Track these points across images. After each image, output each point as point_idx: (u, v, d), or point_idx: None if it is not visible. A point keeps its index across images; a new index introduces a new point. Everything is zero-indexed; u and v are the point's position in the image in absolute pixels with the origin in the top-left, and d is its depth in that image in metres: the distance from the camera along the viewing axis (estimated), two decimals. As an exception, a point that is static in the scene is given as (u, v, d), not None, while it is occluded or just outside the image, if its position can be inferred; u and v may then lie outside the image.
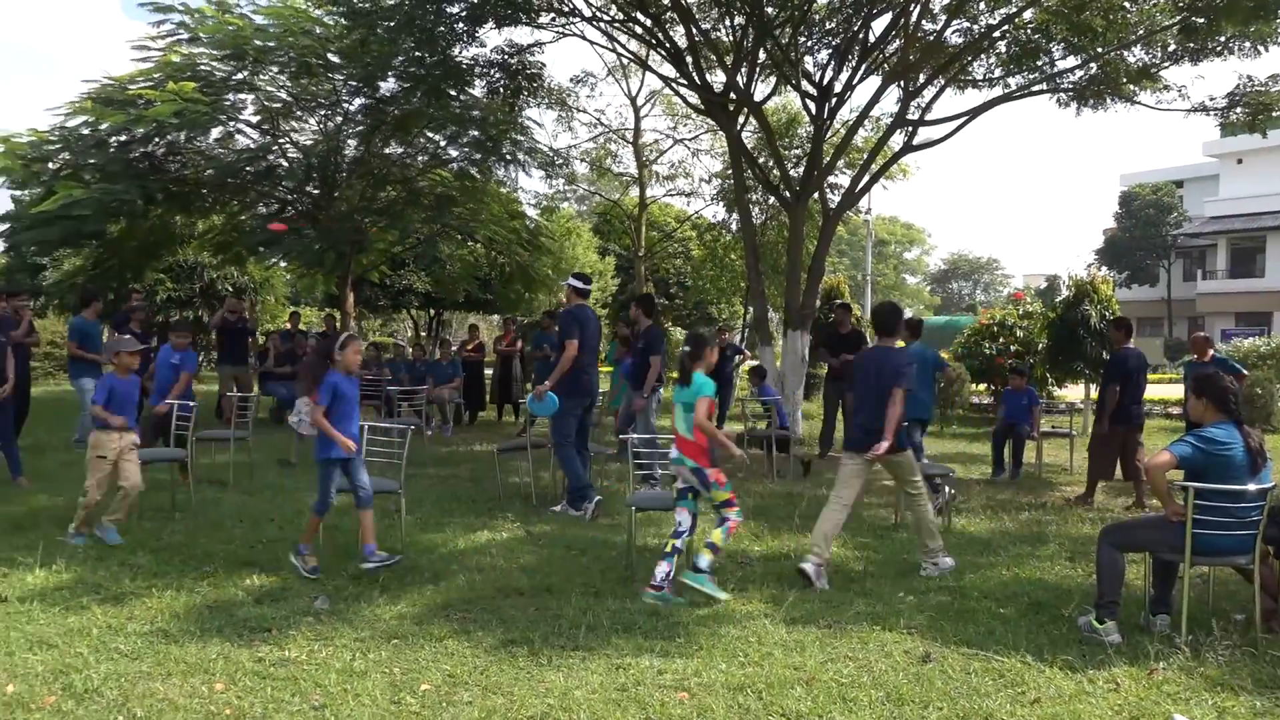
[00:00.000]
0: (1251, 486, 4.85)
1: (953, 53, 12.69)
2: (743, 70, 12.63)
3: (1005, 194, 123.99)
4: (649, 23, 13.09)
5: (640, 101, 23.57)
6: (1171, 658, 4.60)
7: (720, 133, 17.39)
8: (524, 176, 30.06)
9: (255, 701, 4.00)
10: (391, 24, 12.71)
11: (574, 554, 6.69)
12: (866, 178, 13.74)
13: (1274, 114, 12.36)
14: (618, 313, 26.81)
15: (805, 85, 13.10)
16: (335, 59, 16.10)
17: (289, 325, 16.76)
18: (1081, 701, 4.12)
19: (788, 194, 12.94)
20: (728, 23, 13.16)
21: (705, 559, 5.64)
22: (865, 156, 14.34)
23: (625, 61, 20.95)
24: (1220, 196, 45.59)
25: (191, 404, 8.71)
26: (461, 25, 12.57)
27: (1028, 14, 12.09)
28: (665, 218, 28.38)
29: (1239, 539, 4.88)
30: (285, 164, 17.44)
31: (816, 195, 14.13)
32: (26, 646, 4.57)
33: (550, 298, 23.08)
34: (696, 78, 13.02)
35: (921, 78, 13.07)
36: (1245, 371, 10.59)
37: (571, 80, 22.66)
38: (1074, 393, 16.65)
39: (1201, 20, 11.18)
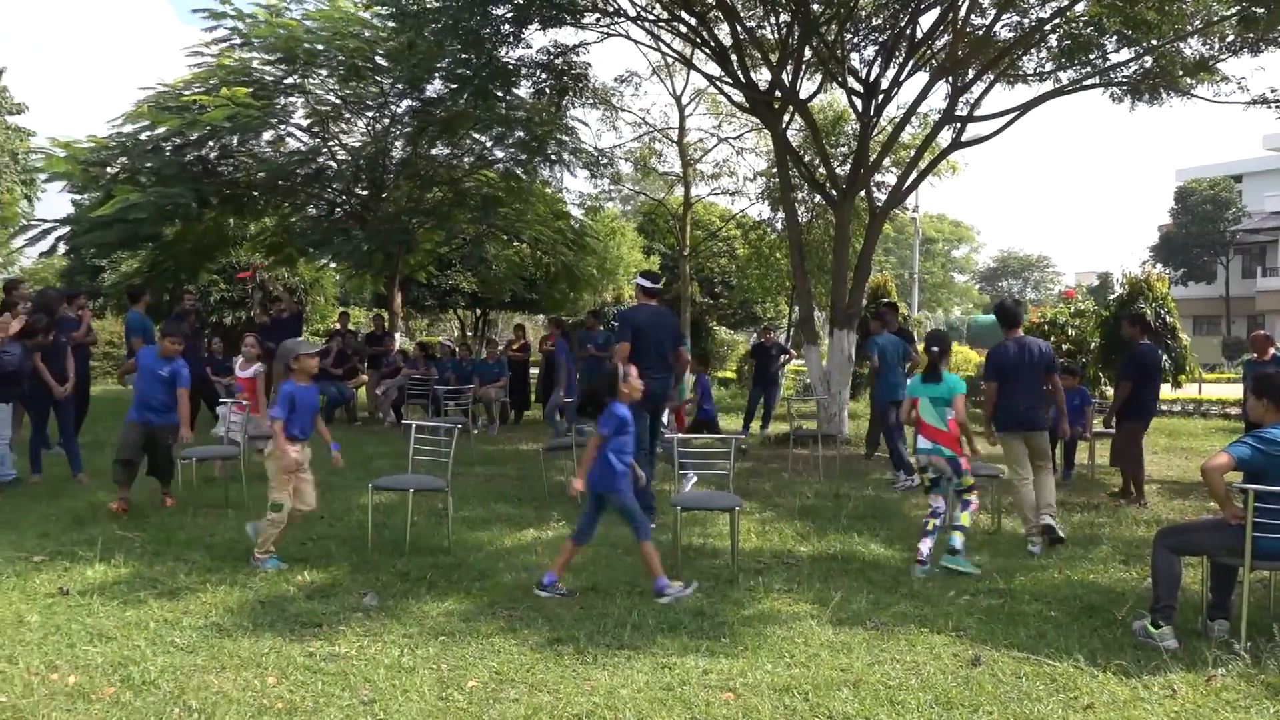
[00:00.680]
0: (1315, 489, 4.73)
1: (1002, 47, 12.48)
2: (788, 68, 12.54)
3: (1056, 190, 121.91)
4: (693, 21, 13.07)
5: (685, 100, 23.51)
6: (1230, 664, 4.50)
7: (765, 131, 17.30)
8: (569, 176, 29.97)
9: (306, 695, 4.06)
10: (438, 26, 12.81)
11: (619, 553, 6.70)
12: (914, 175, 13.61)
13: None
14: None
15: (851, 82, 12.98)
16: (383, 61, 16.34)
17: (338, 325, 16.96)
18: (1136, 708, 4.04)
19: (834, 192, 12.83)
20: (773, 20, 13.09)
21: (958, 540, 6.33)
22: (912, 154, 14.17)
23: (670, 61, 20.93)
24: (1281, 191, 44.48)
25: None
26: (507, 27, 12.65)
27: (1079, 6, 11.86)
28: (710, 216, 28.26)
29: (1301, 543, 4.76)
30: (334, 166, 17.73)
31: (863, 193, 14.02)
32: (87, 639, 4.69)
33: (595, 297, 23.11)
34: (741, 76, 12.96)
35: (970, 73, 12.88)
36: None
37: (616, 80, 22.65)
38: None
39: (1262, 10, 10.88)
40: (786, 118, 13.62)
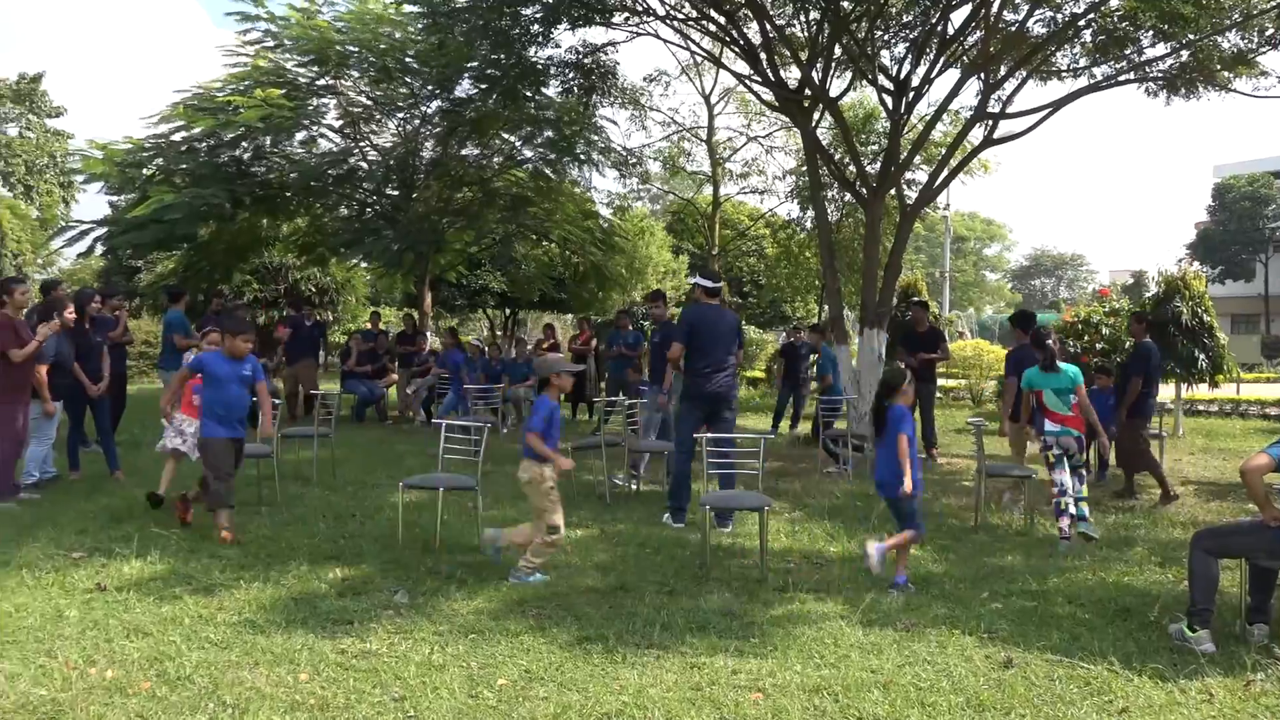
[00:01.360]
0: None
1: (1035, 43, 12.32)
2: (818, 66, 12.46)
3: (1091, 187, 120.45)
4: (722, 20, 13.02)
5: (714, 99, 23.51)
6: (1270, 669, 4.43)
7: (795, 129, 17.20)
8: (597, 176, 29.95)
9: (338, 692, 4.10)
10: (467, 26, 12.84)
11: (648, 552, 6.71)
12: (945, 173, 13.44)
13: (1381, 100, 11.74)
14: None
15: (882, 80, 12.88)
16: (413, 63, 16.46)
17: (370, 325, 17.05)
18: (1173, 712, 3.98)
19: (864, 190, 12.73)
20: (802, 18, 13.01)
21: (1086, 508, 7.35)
22: (944, 151, 14.04)
23: (699, 60, 20.85)
24: (1322, 187, 43.62)
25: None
26: (536, 27, 12.64)
27: (1114, 1, 11.69)
28: (739, 215, 28.22)
29: (1343, 546, 4.66)
30: (365, 166, 17.91)
31: (893, 191, 13.89)
32: (124, 634, 4.77)
33: (624, 297, 23.14)
34: (771, 74, 12.90)
35: (1002, 70, 12.73)
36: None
37: (645, 79, 22.76)
38: (1164, 392, 16.12)
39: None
40: (816, 116, 13.53)
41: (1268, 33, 11.73)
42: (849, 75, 14.00)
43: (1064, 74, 13.38)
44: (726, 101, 23.79)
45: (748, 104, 22.57)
